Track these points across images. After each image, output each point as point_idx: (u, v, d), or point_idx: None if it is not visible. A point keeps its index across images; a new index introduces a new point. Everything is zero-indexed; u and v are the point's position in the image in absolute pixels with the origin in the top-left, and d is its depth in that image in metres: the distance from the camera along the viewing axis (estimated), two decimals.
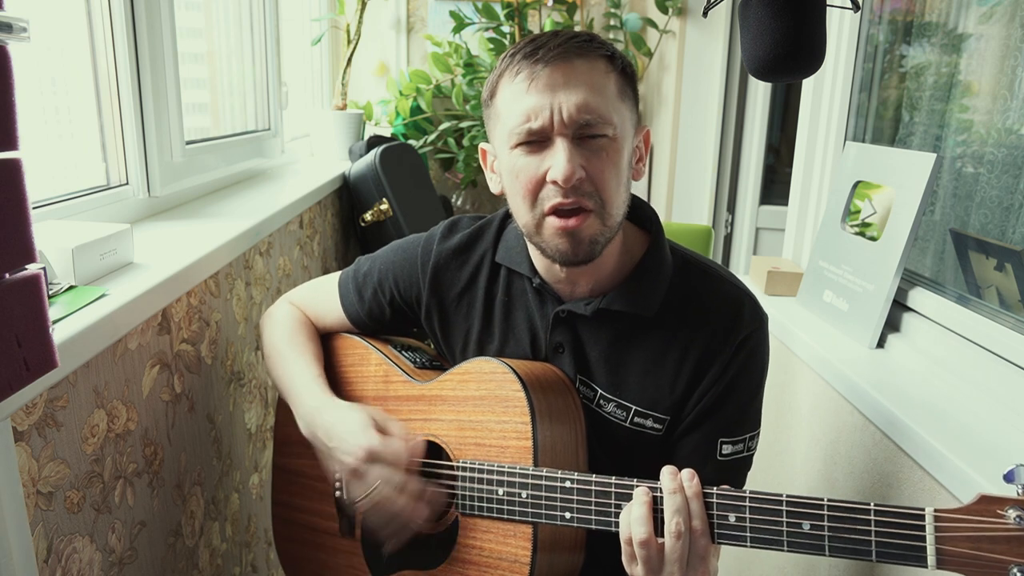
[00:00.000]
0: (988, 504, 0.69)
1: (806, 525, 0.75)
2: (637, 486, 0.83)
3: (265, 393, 1.55)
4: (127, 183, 1.29)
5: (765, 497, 0.77)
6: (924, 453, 0.98)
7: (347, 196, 2.40)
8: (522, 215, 0.93)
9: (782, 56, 0.93)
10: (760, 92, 2.79)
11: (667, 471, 0.82)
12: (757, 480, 1.55)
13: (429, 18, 3.03)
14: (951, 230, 1.41)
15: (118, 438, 0.93)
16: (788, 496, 0.76)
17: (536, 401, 0.92)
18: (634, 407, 0.98)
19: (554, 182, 0.88)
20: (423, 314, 1.09)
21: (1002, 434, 0.98)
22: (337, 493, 1.08)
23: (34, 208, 0.79)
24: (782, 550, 0.77)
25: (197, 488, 1.18)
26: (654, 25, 2.86)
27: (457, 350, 1.08)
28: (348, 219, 2.46)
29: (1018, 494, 0.69)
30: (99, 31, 1.20)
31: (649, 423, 0.98)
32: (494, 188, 1.00)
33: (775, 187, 2.95)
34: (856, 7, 0.98)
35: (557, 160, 0.87)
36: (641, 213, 1.03)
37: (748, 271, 1.78)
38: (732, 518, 0.79)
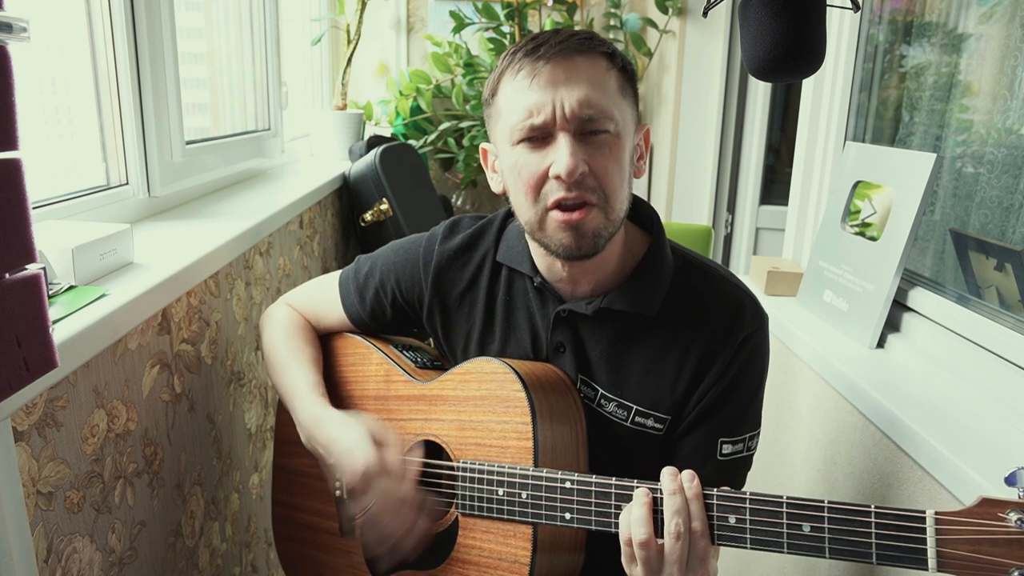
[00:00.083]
0: (989, 507, 0.69)
1: (806, 527, 0.75)
2: (637, 487, 0.83)
3: (265, 393, 1.55)
4: (127, 183, 1.29)
5: (765, 499, 0.77)
6: (924, 453, 0.98)
7: (347, 196, 2.40)
8: (525, 211, 0.93)
9: (782, 56, 0.93)
10: (760, 92, 2.79)
11: (667, 472, 0.82)
12: (757, 480, 1.55)
13: (429, 18, 3.03)
14: (951, 230, 1.41)
15: (118, 438, 0.93)
16: (788, 498, 0.76)
17: (537, 401, 0.92)
18: (635, 407, 0.98)
19: (557, 177, 0.88)
20: (425, 314, 1.09)
21: (1002, 434, 0.98)
22: (337, 492, 1.08)
23: (34, 208, 0.79)
24: (782, 552, 0.77)
25: (197, 488, 1.18)
26: (654, 25, 2.86)
27: (458, 350, 1.08)
28: (348, 219, 2.46)
29: (1019, 497, 0.68)
30: (99, 31, 1.20)
31: (650, 423, 0.98)
32: (495, 188, 1.00)
33: (775, 187, 2.95)
34: (856, 7, 0.98)
35: (560, 155, 0.87)
36: (642, 213, 1.03)
37: (748, 271, 1.78)
38: (732, 519, 0.79)
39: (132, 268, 1.03)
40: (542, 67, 0.88)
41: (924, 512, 0.71)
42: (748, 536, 0.78)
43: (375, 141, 2.50)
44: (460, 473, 0.95)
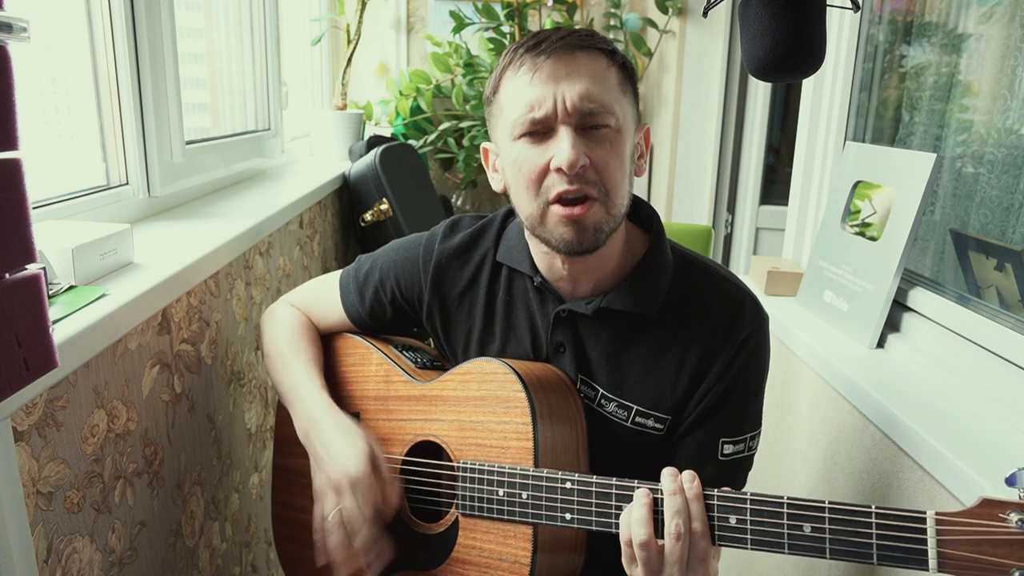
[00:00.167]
0: (990, 507, 0.69)
1: (807, 528, 0.75)
2: (637, 487, 0.83)
3: (265, 393, 1.55)
4: (127, 183, 1.29)
5: (766, 499, 0.77)
6: (924, 453, 0.98)
7: (347, 196, 2.40)
8: (525, 206, 0.93)
9: (782, 56, 0.93)
10: (760, 92, 2.79)
11: (667, 472, 0.81)
12: (757, 480, 1.55)
13: (429, 18, 3.03)
14: (951, 230, 1.41)
15: (118, 438, 0.93)
16: (789, 499, 0.76)
17: (537, 402, 0.92)
18: (635, 407, 0.98)
19: (558, 169, 0.88)
20: (424, 314, 1.09)
21: (1002, 434, 0.98)
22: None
23: (34, 208, 0.79)
24: (783, 552, 0.77)
25: (197, 488, 1.18)
26: (654, 25, 2.86)
27: (459, 350, 1.08)
28: (348, 219, 2.46)
29: (1020, 497, 0.68)
30: (99, 31, 1.20)
31: (650, 423, 0.98)
32: (496, 186, 1.00)
33: (775, 187, 2.95)
34: (856, 7, 0.98)
35: (561, 148, 0.87)
36: (642, 213, 1.03)
37: (748, 271, 1.78)
38: (733, 520, 0.79)
39: (132, 268, 1.03)
40: (543, 62, 0.89)
41: (925, 513, 0.71)
42: (749, 537, 0.78)
43: (375, 141, 2.50)
44: (460, 473, 0.95)
